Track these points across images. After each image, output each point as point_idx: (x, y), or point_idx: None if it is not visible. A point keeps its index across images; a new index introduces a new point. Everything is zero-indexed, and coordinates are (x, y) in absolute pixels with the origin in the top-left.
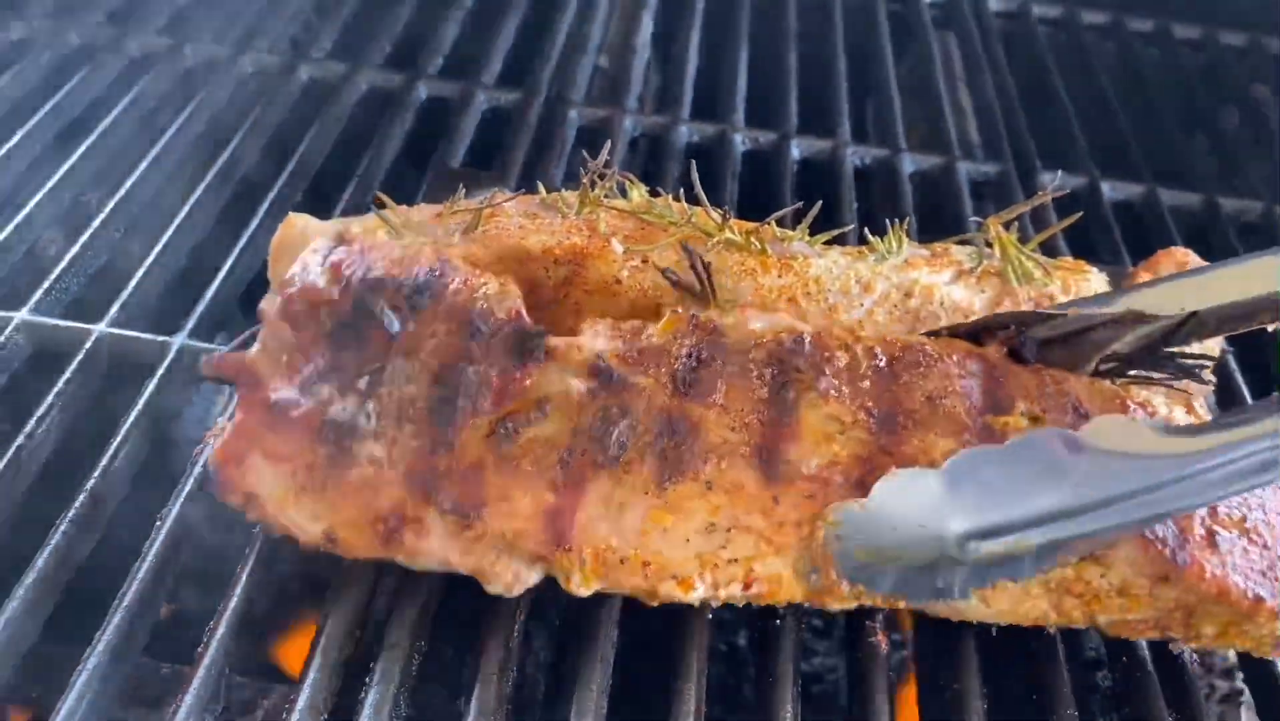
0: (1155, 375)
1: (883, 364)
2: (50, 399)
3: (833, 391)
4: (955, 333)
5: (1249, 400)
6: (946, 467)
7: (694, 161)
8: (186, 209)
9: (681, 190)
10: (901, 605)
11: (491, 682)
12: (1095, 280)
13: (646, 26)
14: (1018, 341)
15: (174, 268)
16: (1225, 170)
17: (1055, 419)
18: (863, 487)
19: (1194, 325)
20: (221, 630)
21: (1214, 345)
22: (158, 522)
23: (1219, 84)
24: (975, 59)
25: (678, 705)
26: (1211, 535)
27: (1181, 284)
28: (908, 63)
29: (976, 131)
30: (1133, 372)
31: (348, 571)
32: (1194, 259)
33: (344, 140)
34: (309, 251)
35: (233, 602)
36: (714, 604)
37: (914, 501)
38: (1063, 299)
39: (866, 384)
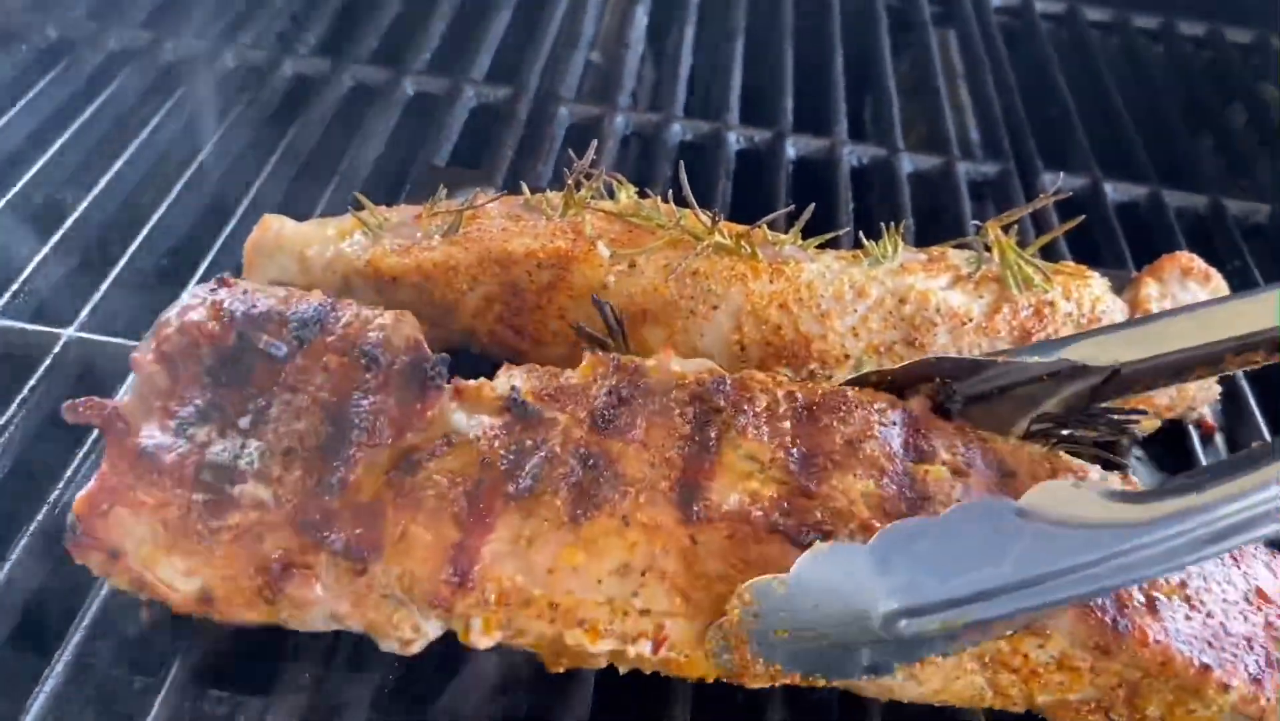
0: (1087, 434)
1: (802, 407)
2: (14, 406)
3: (752, 430)
4: (880, 383)
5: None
6: (875, 542)
7: (682, 162)
8: (163, 208)
9: (671, 190)
10: (823, 684)
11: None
12: (1097, 285)
13: (640, 21)
14: (941, 396)
15: (150, 269)
16: (1231, 170)
17: (979, 474)
18: (783, 532)
19: (1120, 381)
20: (190, 647)
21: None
22: None
23: (1225, 82)
24: (976, 56)
25: None
26: (1152, 602)
27: (1114, 336)
28: (907, 60)
29: (976, 130)
30: (1065, 433)
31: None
32: (1199, 263)
33: (328, 137)
34: (187, 294)
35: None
36: (620, 668)
37: (839, 578)
38: (1064, 305)
39: (786, 424)
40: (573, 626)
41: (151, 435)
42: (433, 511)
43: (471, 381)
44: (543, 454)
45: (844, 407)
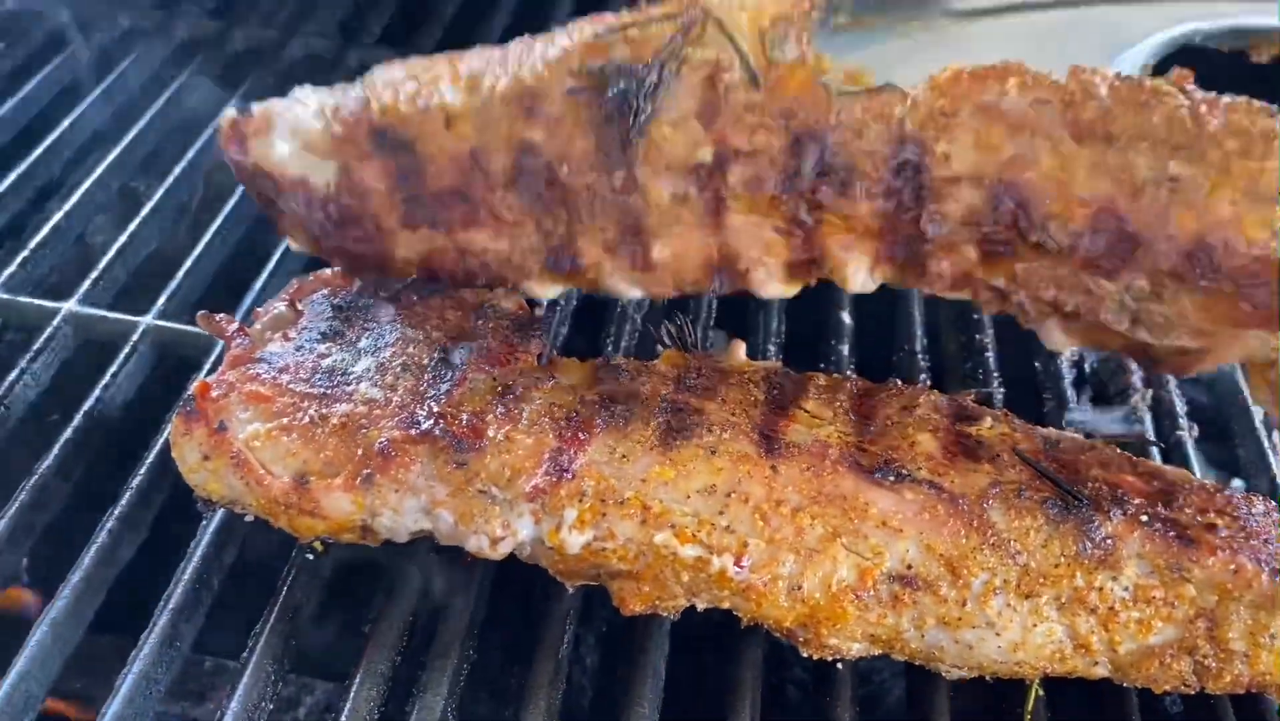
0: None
1: (857, 389)
2: (97, 392)
3: (816, 400)
4: None
5: None
6: None
7: None
8: (235, 198)
9: None
10: (902, 656)
11: (540, 695)
12: None
13: None
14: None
15: (224, 257)
16: None
17: (1025, 433)
18: (857, 468)
19: None
20: (267, 629)
21: None
22: (203, 521)
23: None
24: None
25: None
26: (1211, 526)
27: None
28: None
29: None
30: None
31: (395, 576)
32: None
33: None
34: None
35: (279, 604)
36: (699, 605)
37: None
38: None
39: (845, 398)
40: (664, 529)
41: (271, 348)
42: (533, 423)
43: (562, 359)
44: (634, 399)
45: (895, 390)
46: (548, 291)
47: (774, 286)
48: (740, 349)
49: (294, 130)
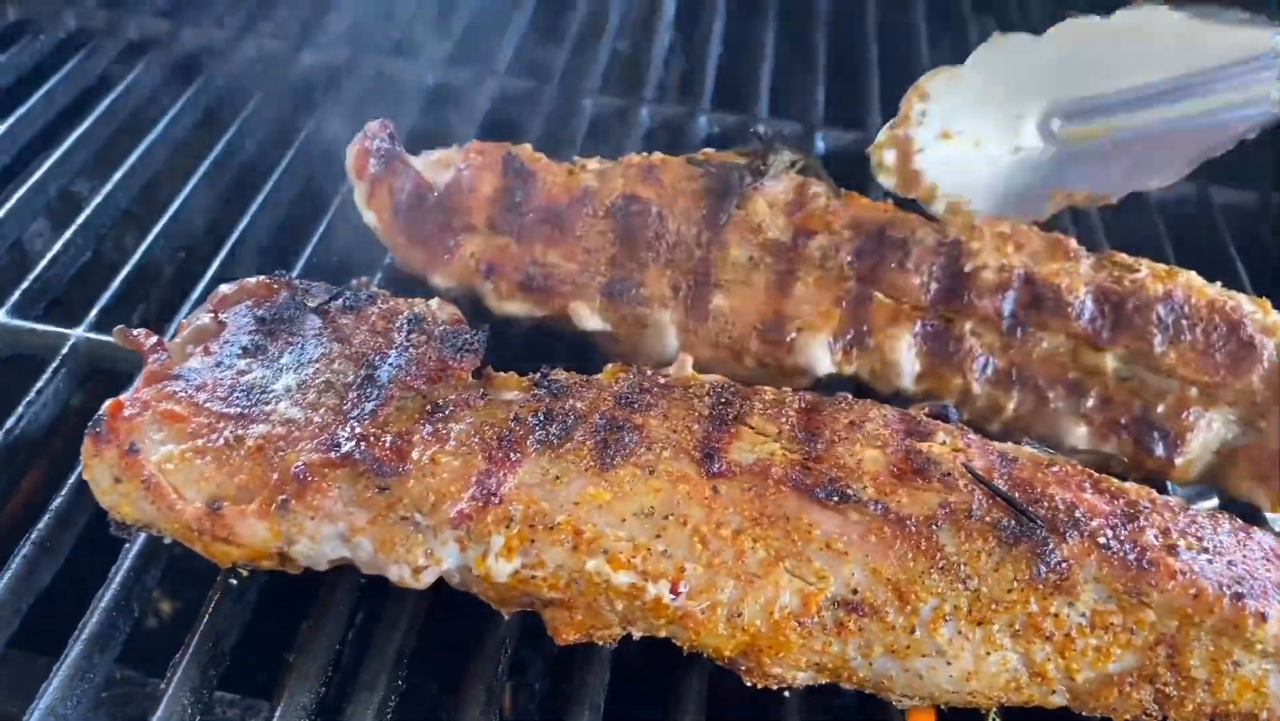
0: None
1: (805, 402)
2: (20, 409)
3: (762, 414)
4: None
5: None
6: (1052, 31)
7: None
8: (179, 201)
9: None
10: (851, 684)
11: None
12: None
13: (669, 9)
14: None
15: (164, 265)
16: None
17: (978, 449)
18: (801, 487)
19: None
20: (185, 660)
21: None
22: (126, 545)
23: None
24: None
25: None
26: (1171, 547)
27: None
28: (944, 49)
29: None
30: None
31: (321, 603)
32: None
33: (348, 129)
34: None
35: (199, 633)
36: (635, 633)
37: (1013, 64)
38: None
39: (792, 412)
40: (596, 554)
41: (190, 363)
42: (462, 443)
43: (499, 373)
44: (571, 416)
45: (844, 403)
46: (590, 317)
47: (816, 351)
48: (688, 362)
49: (431, 157)
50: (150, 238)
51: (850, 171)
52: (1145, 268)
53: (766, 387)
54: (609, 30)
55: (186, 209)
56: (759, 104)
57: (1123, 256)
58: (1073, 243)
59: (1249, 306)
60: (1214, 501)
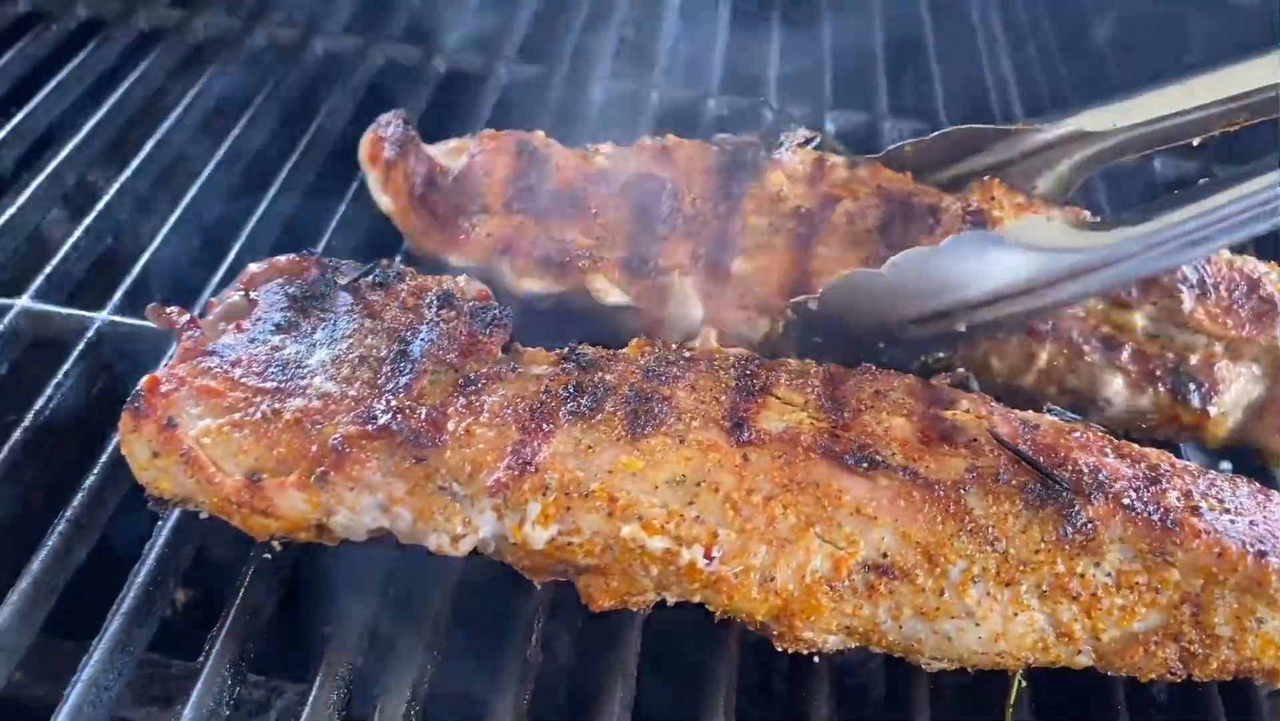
0: None
1: (829, 373)
2: (49, 390)
3: (788, 385)
4: (914, 153)
5: None
6: (888, 268)
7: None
8: (194, 190)
9: None
10: (880, 648)
11: (507, 697)
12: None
13: None
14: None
15: (183, 250)
16: None
17: (1000, 415)
18: (830, 455)
19: (1120, 145)
20: (223, 633)
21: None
22: (159, 521)
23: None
24: (1017, 24)
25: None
26: (1194, 508)
27: (1112, 107)
28: (947, 30)
29: (1019, 102)
30: None
31: (355, 578)
32: None
33: (359, 116)
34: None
35: (235, 606)
36: (669, 598)
37: (862, 299)
38: None
39: (817, 382)
40: (631, 520)
41: (224, 340)
42: (496, 415)
43: (528, 349)
44: (601, 388)
45: (868, 373)
46: (611, 290)
47: None
48: (712, 335)
49: (445, 145)
50: (168, 225)
51: (858, 153)
52: None
53: (790, 360)
54: (616, 15)
55: (202, 197)
56: (768, 87)
57: None
58: (1087, 214)
59: (1264, 266)
60: (1228, 466)
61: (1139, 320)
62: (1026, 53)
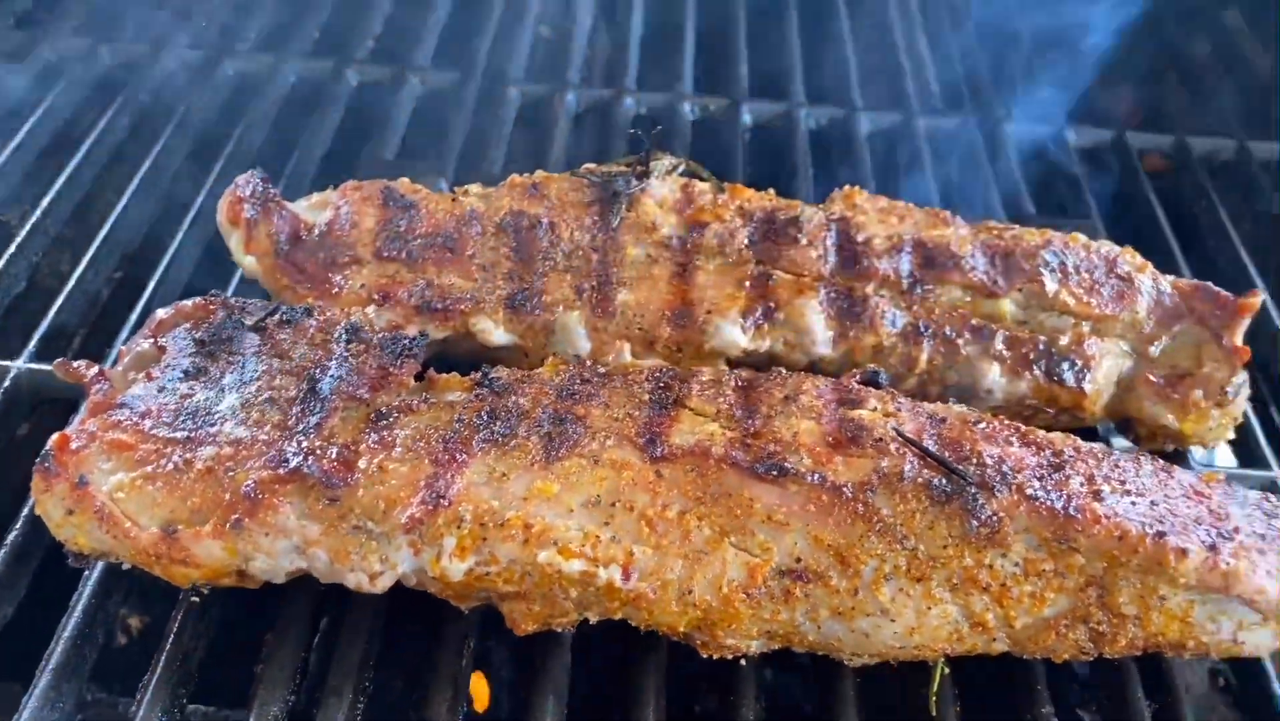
0: None
1: (742, 380)
2: None
3: (700, 395)
4: None
5: None
6: None
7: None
8: (111, 220)
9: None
10: (802, 648)
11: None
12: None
13: None
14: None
15: (99, 290)
16: (1195, 107)
17: (908, 414)
18: (740, 465)
19: None
20: (154, 681)
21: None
22: (86, 573)
23: (1189, 14)
24: (934, 5)
25: None
26: (1096, 492)
27: None
28: (864, 13)
29: (936, 83)
30: None
31: (285, 614)
32: None
33: (274, 135)
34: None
35: (165, 653)
36: (591, 618)
37: None
38: None
39: (730, 391)
40: (547, 546)
41: (133, 391)
42: (408, 449)
43: (441, 376)
44: (515, 412)
45: (778, 377)
46: (495, 330)
47: (729, 330)
48: (626, 350)
49: (307, 200)
50: (85, 262)
51: (775, 142)
52: (1018, 228)
53: (705, 369)
54: (531, 15)
55: (119, 229)
56: (683, 82)
57: (995, 223)
58: (948, 213)
59: (1118, 249)
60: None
61: (1008, 307)
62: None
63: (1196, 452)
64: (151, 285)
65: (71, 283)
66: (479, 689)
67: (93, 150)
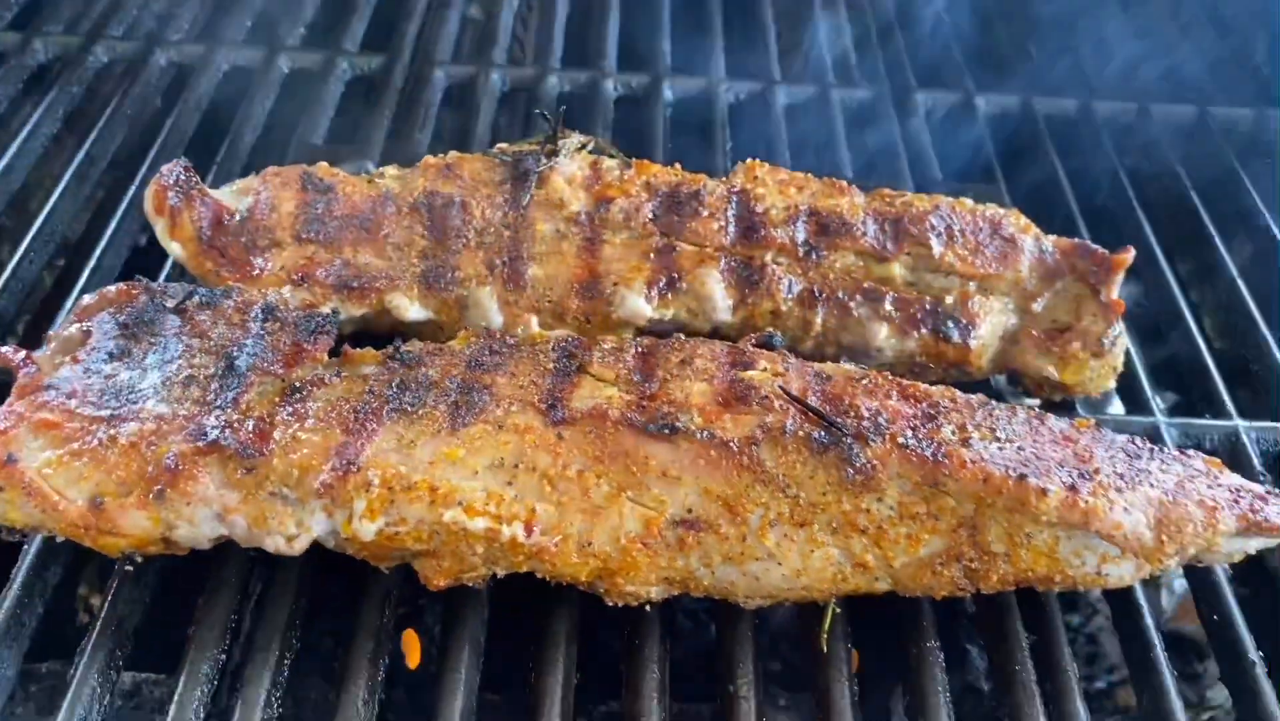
0: None
1: (642, 346)
2: None
3: (601, 362)
4: None
5: None
6: None
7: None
8: (47, 209)
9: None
10: (699, 592)
11: (360, 674)
12: None
13: None
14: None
15: (42, 273)
16: (1100, 71)
17: (795, 373)
18: (635, 426)
19: None
20: (90, 646)
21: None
22: (24, 546)
23: None
24: None
25: (548, 675)
26: (965, 439)
27: None
28: None
29: (854, 55)
30: None
31: (213, 578)
32: None
33: (205, 124)
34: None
35: (100, 619)
36: (499, 571)
37: None
38: None
39: (630, 357)
40: (452, 506)
41: (58, 373)
42: (320, 419)
43: (355, 351)
44: (424, 383)
45: (676, 344)
46: (410, 306)
47: (634, 301)
48: (533, 321)
49: (230, 187)
50: (21, 250)
51: (697, 116)
52: (909, 195)
53: (609, 337)
54: None
55: (55, 218)
56: (606, 60)
57: (889, 190)
58: (844, 183)
59: (1003, 211)
60: (1035, 402)
61: (897, 270)
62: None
63: (1091, 403)
64: (86, 273)
65: (8, 271)
66: (411, 645)
67: (28, 142)
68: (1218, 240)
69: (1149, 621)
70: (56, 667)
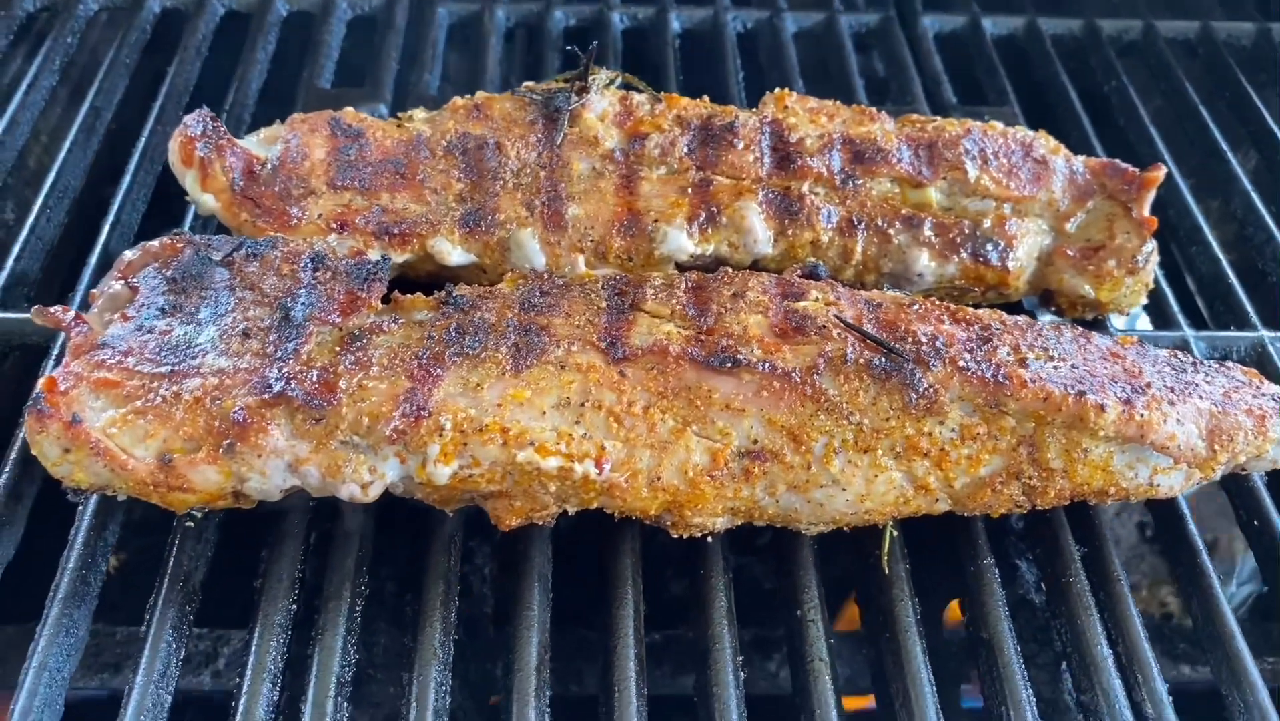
0: None
1: (691, 282)
2: None
3: (654, 299)
4: None
5: None
6: None
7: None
8: (54, 172)
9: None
10: (763, 521)
11: (435, 616)
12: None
13: None
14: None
15: (54, 235)
16: None
17: (848, 302)
18: (696, 360)
19: None
20: (160, 602)
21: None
22: (80, 507)
23: None
24: None
25: (618, 608)
26: (1022, 360)
27: None
28: None
29: None
30: None
31: (278, 530)
32: None
33: (208, 71)
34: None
35: (167, 575)
36: (569, 509)
37: None
38: None
39: (681, 292)
40: (525, 447)
41: (112, 332)
42: (385, 367)
43: (405, 296)
44: (482, 327)
45: (725, 277)
46: (453, 250)
47: (676, 236)
48: (580, 261)
49: (255, 136)
50: (36, 208)
51: (704, 48)
52: (939, 119)
53: (656, 274)
54: None
55: (65, 175)
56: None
57: (918, 115)
58: (873, 110)
59: (1033, 133)
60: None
61: (934, 195)
62: None
63: (1117, 320)
64: (106, 228)
65: (26, 229)
66: None
67: (27, 97)
68: (1229, 153)
69: (1192, 528)
70: (97, 627)
